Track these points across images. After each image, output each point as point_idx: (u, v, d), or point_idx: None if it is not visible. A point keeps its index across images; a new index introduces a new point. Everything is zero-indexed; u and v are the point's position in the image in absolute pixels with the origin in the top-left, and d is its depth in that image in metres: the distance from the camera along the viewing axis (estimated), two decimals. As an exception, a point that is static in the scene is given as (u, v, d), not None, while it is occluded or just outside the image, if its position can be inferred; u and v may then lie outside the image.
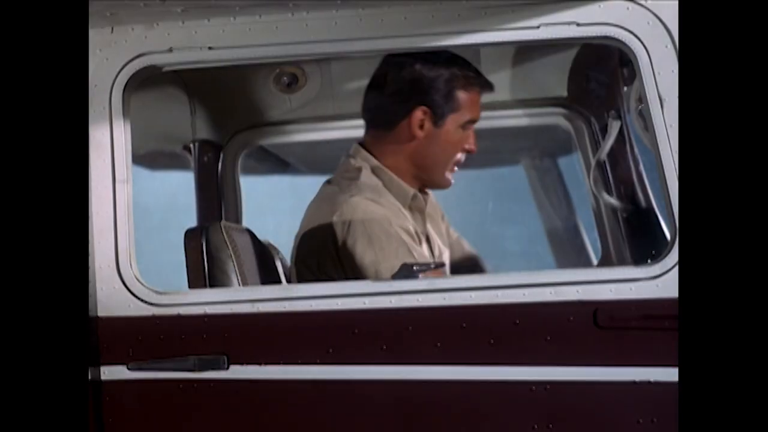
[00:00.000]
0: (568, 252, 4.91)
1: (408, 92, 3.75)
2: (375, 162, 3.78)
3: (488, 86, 3.82)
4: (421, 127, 3.75)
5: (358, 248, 3.57)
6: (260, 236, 4.19)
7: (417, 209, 3.81)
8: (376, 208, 3.64)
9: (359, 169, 3.77)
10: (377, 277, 3.53)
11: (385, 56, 3.79)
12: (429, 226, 3.92)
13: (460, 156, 3.82)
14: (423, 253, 3.67)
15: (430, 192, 3.96)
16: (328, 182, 3.85)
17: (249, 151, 4.66)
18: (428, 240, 3.87)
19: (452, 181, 3.86)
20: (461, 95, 3.75)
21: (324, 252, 3.64)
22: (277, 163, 4.99)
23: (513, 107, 4.49)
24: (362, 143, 3.85)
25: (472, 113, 3.78)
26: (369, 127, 3.86)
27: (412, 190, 3.79)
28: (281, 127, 4.58)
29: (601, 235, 4.49)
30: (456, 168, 3.84)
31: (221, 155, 4.58)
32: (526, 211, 4.99)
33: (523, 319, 3.14)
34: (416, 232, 3.73)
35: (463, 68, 3.75)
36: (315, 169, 5.32)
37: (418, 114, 3.74)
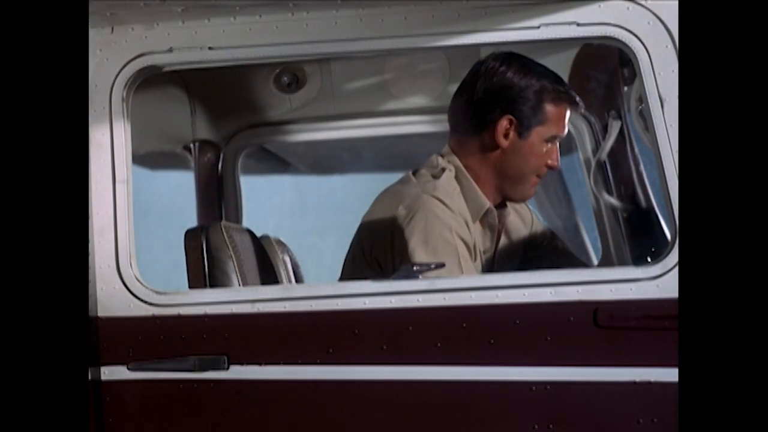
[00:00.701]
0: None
1: (496, 100, 3.68)
2: (460, 166, 3.72)
3: (576, 104, 3.75)
4: (506, 136, 3.68)
5: (412, 243, 3.54)
6: (267, 234, 4.20)
7: (488, 225, 3.76)
8: (443, 211, 3.60)
9: (443, 170, 3.71)
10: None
11: (476, 62, 3.75)
12: (503, 241, 3.87)
13: (544, 169, 3.74)
14: (472, 268, 3.63)
15: (512, 206, 3.91)
16: (414, 172, 3.77)
17: (249, 151, 4.66)
18: (494, 255, 3.83)
19: (533, 194, 3.80)
20: (549, 108, 3.68)
21: (380, 236, 3.61)
22: (278, 162, 5.00)
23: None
24: (451, 145, 3.79)
25: (558, 129, 3.71)
26: (454, 131, 3.80)
27: (487, 204, 3.72)
28: (281, 127, 4.58)
29: (602, 235, 4.49)
30: (538, 181, 3.76)
31: (221, 155, 4.58)
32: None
33: (524, 319, 3.14)
34: (474, 247, 3.70)
35: (554, 82, 3.70)
36: (315, 169, 5.33)
37: (504, 123, 3.67)
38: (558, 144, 3.74)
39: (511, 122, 3.67)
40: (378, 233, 3.63)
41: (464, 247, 3.58)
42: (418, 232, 3.54)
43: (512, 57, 3.69)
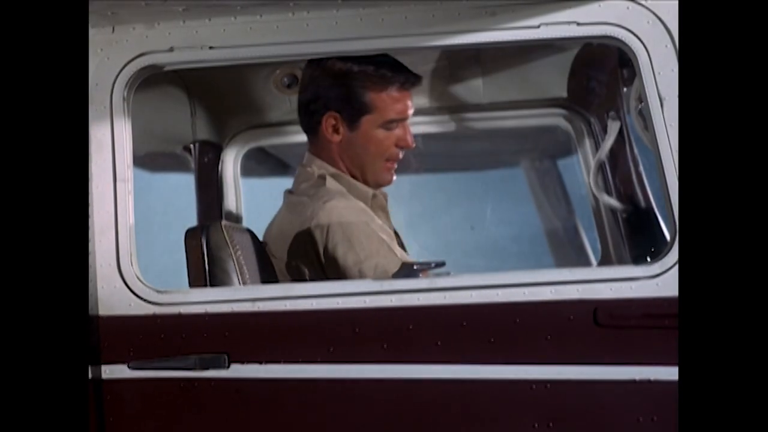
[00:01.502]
0: (568, 253, 4.91)
1: (317, 99, 3.75)
2: (331, 169, 3.78)
3: (409, 82, 3.73)
4: (337, 131, 3.74)
5: (340, 251, 3.58)
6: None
7: (379, 207, 3.81)
8: (351, 210, 3.65)
9: (323, 177, 3.76)
10: (361, 277, 3.53)
11: (306, 63, 3.80)
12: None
13: (394, 152, 3.77)
14: (400, 250, 3.66)
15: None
16: (290, 192, 3.83)
17: (249, 152, 4.66)
18: (396, 235, 3.87)
19: (391, 178, 3.81)
20: (373, 96, 3.70)
21: (306, 259, 3.64)
22: (277, 165, 4.99)
23: (513, 108, 4.49)
24: (311, 151, 3.85)
25: (393, 112, 3.72)
26: (306, 136, 3.87)
27: (370, 191, 3.78)
28: (281, 127, 4.58)
29: (601, 235, 4.50)
30: (392, 164, 3.79)
31: (221, 156, 4.58)
32: (526, 212, 4.99)
33: (524, 318, 3.15)
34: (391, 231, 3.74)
35: (376, 68, 3.70)
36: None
37: (329, 120, 3.74)
38: (407, 123, 3.75)
39: (335, 118, 3.73)
40: (302, 257, 3.65)
41: (385, 234, 3.64)
42: (341, 239, 3.58)
43: (332, 57, 3.66)
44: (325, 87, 3.73)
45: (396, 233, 3.92)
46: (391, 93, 3.72)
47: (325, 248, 3.60)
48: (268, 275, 3.74)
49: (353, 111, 3.71)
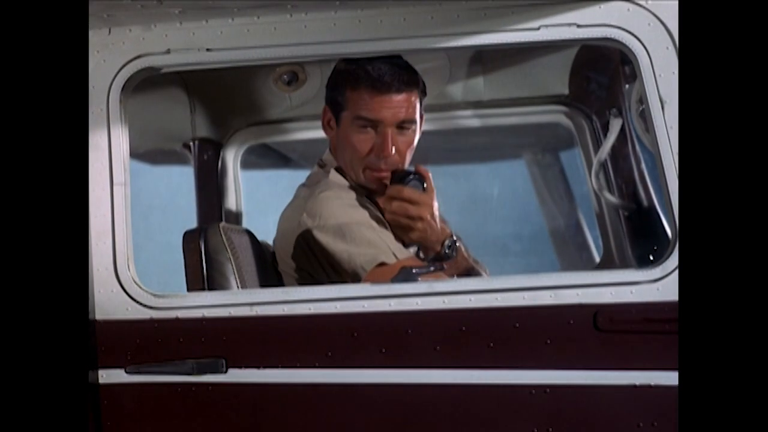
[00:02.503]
0: (570, 248, 4.90)
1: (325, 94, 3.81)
2: (335, 162, 3.80)
3: (381, 83, 3.63)
4: (330, 126, 3.78)
5: (329, 239, 3.57)
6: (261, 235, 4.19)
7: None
8: (342, 200, 3.65)
9: (329, 170, 3.79)
10: (349, 264, 3.52)
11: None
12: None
13: (371, 160, 3.69)
14: (392, 238, 3.62)
15: None
16: (302, 185, 3.86)
17: (250, 147, 4.65)
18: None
19: (377, 188, 3.73)
20: (348, 93, 3.68)
21: (299, 251, 3.64)
22: (278, 158, 4.99)
23: (514, 105, 4.48)
24: (329, 146, 3.88)
25: (362, 110, 3.65)
26: None
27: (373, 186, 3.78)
28: (281, 125, 4.58)
29: (603, 233, 4.48)
30: (375, 173, 3.70)
31: (221, 153, 4.57)
32: (529, 207, 4.98)
33: (523, 323, 3.13)
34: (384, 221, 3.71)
35: (356, 66, 3.66)
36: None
37: (324, 114, 3.79)
38: (387, 130, 3.65)
39: (326, 111, 3.78)
40: (297, 248, 3.65)
41: (377, 222, 3.61)
42: (330, 227, 3.58)
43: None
44: (327, 84, 3.79)
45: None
46: (361, 91, 3.66)
47: (315, 237, 3.59)
48: (267, 278, 3.74)
49: (336, 105, 3.74)
